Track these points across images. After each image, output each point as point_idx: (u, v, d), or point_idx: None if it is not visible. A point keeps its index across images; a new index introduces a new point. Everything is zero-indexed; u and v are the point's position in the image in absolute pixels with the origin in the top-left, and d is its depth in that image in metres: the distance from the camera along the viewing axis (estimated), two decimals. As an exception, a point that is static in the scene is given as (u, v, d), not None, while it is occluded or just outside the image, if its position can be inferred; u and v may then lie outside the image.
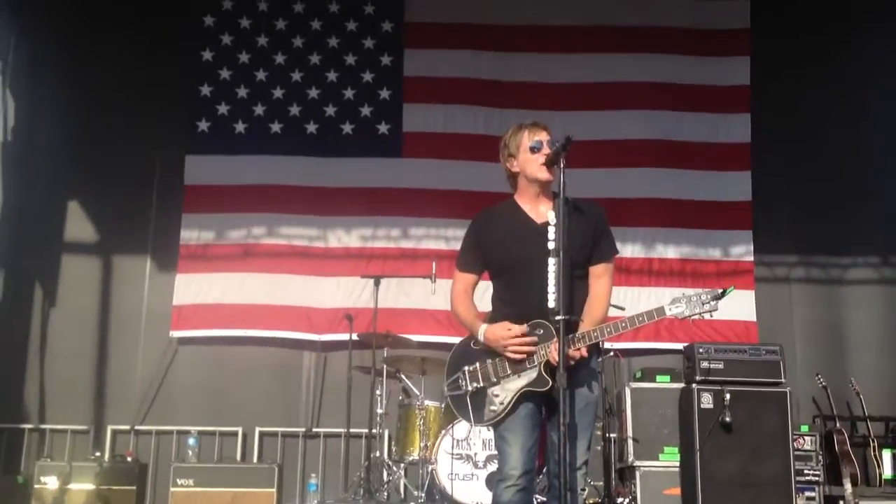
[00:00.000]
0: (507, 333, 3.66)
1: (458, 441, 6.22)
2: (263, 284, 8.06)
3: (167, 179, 8.25)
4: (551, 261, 3.64)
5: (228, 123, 8.43)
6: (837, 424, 7.73)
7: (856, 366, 8.18)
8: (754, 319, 8.12)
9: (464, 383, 3.73)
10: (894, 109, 8.59)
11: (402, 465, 6.66)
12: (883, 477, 7.69)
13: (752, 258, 8.33)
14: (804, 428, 7.36)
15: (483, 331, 3.73)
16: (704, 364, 6.05)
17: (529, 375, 3.66)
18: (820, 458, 7.32)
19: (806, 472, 7.13)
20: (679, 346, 6.94)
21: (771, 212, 8.38)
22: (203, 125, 8.42)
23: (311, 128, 8.46)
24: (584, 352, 3.60)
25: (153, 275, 8.16)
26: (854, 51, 8.64)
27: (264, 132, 8.42)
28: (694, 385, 5.98)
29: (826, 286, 8.53)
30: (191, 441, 7.08)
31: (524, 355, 3.64)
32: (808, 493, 7.14)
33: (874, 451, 7.75)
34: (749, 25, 8.58)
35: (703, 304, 3.58)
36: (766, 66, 8.55)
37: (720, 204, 8.39)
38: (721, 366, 6.07)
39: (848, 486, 7.27)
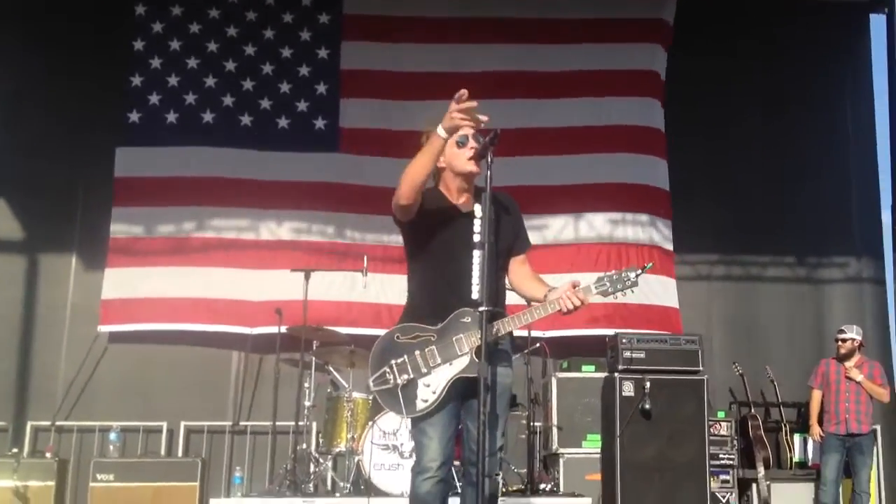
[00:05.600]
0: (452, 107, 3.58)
1: (384, 432, 6.27)
2: (194, 278, 7.97)
3: (96, 173, 8.09)
4: (476, 253, 3.70)
5: (160, 113, 8.28)
6: (752, 410, 8.01)
7: (770, 356, 8.47)
8: (677, 306, 8.32)
9: (392, 377, 3.70)
10: (818, 112, 8.87)
11: (329, 457, 6.68)
12: (794, 460, 8.02)
13: (671, 246, 8.50)
14: (720, 414, 7.62)
15: (440, 127, 3.62)
16: (627, 354, 6.23)
17: (462, 362, 3.68)
18: (735, 442, 7.57)
19: (721, 456, 7.38)
20: (603, 332, 7.08)
21: (689, 206, 8.56)
22: (134, 116, 8.26)
23: (246, 120, 8.37)
24: (584, 300, 3.63)
25: (79, 270, 8.03)
26: (769, 44, 8.90)
27: (196, 122, 8.28)
28: (616, 374, 6.14)
29: (742, 282, 8.79)
30: (112, 436, 6.97)
31: (471, 119, 3.57)
32: (722, 477, 7.39)
33: (786, 435, 8.07)
34: (671, 17, 8.73)
35: (624, 282, 3.67)
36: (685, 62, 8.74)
37: (640, 187, 8.49)
38: (643, 355, 6.25)
39: (761, 470, 7.55)
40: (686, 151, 8.60)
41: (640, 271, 3.68)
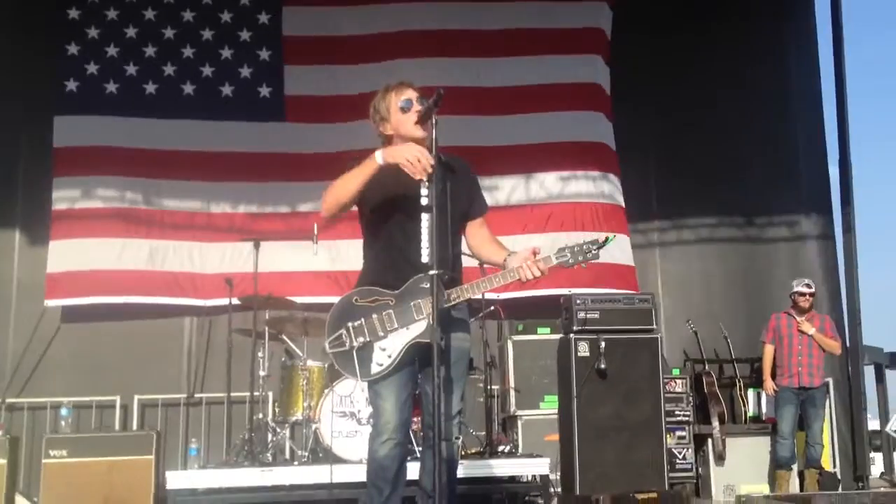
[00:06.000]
0: (413, 149, 3.54)
1: (341, 398, 6.24)
2: (141, 250, 7.84)
3: (35, 143, 7.90)
4: (425, 216, 3.66)
5: (98, 83, 8.10)
6: (706, 367, 8.12)
7: (723, 314, 8.57)
8: (632, 264, 8.36)
9: (348, 339, 3.69)
10: (748, 71, 8.85)
11: (286, 426, 6.63)
12: (748, 415, 8.15)
13: (622, 201, 8.49)
14: (675, 371, 7.71)
15: (379, 153, 3.59)
16: (581, 314, 6.25)
17: (419, 327, 3.66)
18: (690, 399, 7.68)
19: (677, 412, 7.48)
20: (558, 291, 7.08)
21: (636, 170, 8.59)
22: (71, 85, 8.07)
23: (189, 88, 8.21)
24: (543, 270, 3.61)
25: (23, 244, 7.89)
26: (713, 2, 8.88)
27: (138, 92, 8.13)
28: (571, 335, 6.16)
29: (692, 244, 8.87)
30: (63, 412, 6.86)
31: (417, 167, 3.51)
32: (678, 433, 7.50)
33: (740, 390, 8.20)
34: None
35: (586, 253, 3.66)
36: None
37: (588, 145, 8.48)
38: (597, 315, 6.28)
39: (716, 425, 7.67)
40: (631, 115, 8.60)
41: (601, 244, 3.68)
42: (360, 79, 8.02)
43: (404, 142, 3.79)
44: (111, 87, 8.12)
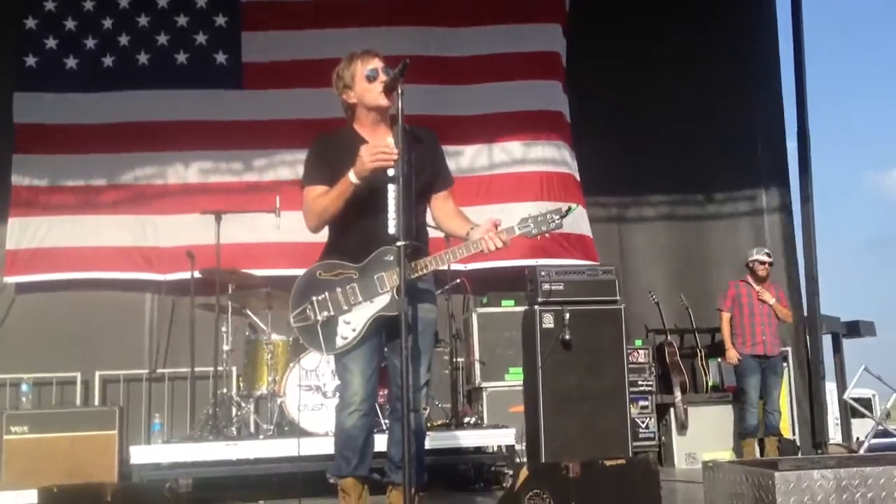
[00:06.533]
0: (371, 149, 3.54)
1: (306, 372, 6.22)
2: (102, 226, 7.76)
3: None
4: (391, 187, 3.64)
5: (58, 58, 7.95)
6: (668, 338, 8.21)
7: (686, 287, 8.67)
8: (590, 234, 8.41)
9: (312, 313, 3.68)
10: (706, 43, 8.88)
11: (250, 400, 6.61)
12: (709, 384, 8.27)
13: (577, 174, 8.51)
14: (638, 342, 7.80)
15: (351, 172, 3.58)
16: (546, 286, 6.27)
17: (382, 300, 3.66)
18: (652, 369, 7.78)
19: (640, 382, 7.58)
20: (521, 262, 7.11)
21: (595, 147, 8.57)
22: (31, 60, 7.93)
23: (143, 58, 8.06)
24: (506, 241, 3.60)
25: (-19, 221, 7.72)
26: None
27: (96, 66, 7.98)
28: (536, 307, 6.19)
29: (653, 221, 8.96)
30: (23, 388, 6.77)
31: (388, 158, 3.52)
32: (641, 403, 7.61)
33: (702, 360, 8.31)
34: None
35: (549, 223, 3.66)
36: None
37: (548, 114, 8.49)
38: (561, 287, 6.30)
39: (678, 394, 7.78)
40: (592, 91, 8.60)
41: (563, 214, 3.68)
42: (321, 44, 7.89)
43: (369, 111, 3.77)
44: (71, 63, 7.98)
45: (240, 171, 8.02)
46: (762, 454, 7.55)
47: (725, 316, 7.78)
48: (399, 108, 3.51)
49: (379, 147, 3.54)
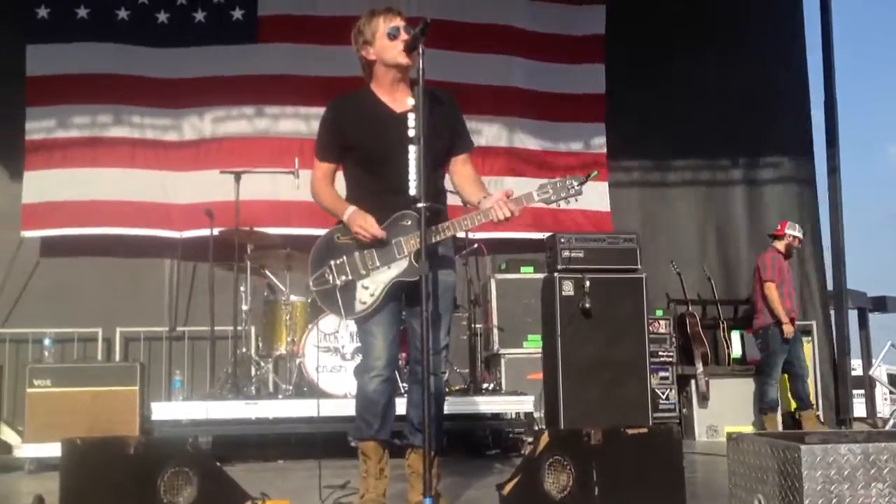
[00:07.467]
0: (363, 223, 3.60)
1: (325, 334, 6.22)
2: (118, 181, 7.71)
3: (6, 73, 7.68)
4: (412, 148, 3.60)
5: (69, 8, 7.86)
6: (690, 308, 8.14)
7: (707, 256, 8.61)
8: (608, 210, 8.37)
9: (331, 277, 3.66)
10: (733, 14, 8.76)
11: (269, 360, 6.63)
12: (732, 356, 8.21)
13: (605, 151, 8.49)
14: (659, 312, 7.73)
15: (349, 212, 3.64)
16: (566, 253, 6.18)
17: (400, 265, 3.64)
18: (673, 340, 7.72)
19: (660, 353, 7.53)
20: (540, 235, 7.06)
21: (622, 112, 8.51)
22: (42, 11, 7.84)
23: (163, 17, 8.00)
24: (519, 209, 3.58)
25: (1, 175, 7.72)
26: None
27: (110, 18, 7.89)
28: (556, 274, 6.12)
29: (675, 187, 8.87)
30: (46, 342, 6.81)
31: (367, 239, 3.61)
32: (661, 374, 7.56)
33: (724, 332, 8.23)
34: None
35: (568, 190, 3.61)
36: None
37: (575, 96, 8.46)
38: (581, 254, 6.20)
39: (699, 366, 7.72)
40: (618, 57, 8.52)
41: (584, 179, 3.63)
42: (337, 1, 7.83)
43: (388, 69, 3.72)
44: (82, 13, 7.88)
45: (260, 127, 7.96)
46: (799, 429, 7.49)
47: (773, 287, 7.57)
48: (420, 68, 3.45)
49: (369, 229, 3.60)
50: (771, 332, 7.55)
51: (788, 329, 7.50)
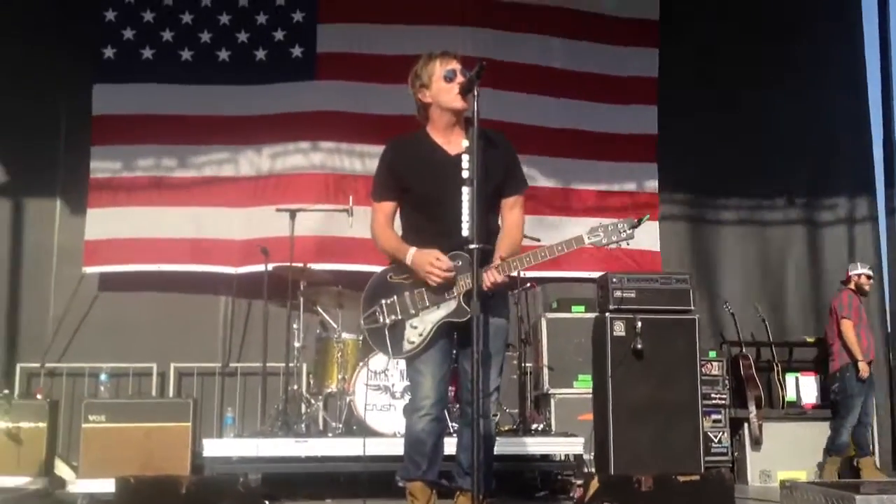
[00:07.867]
0: (434, 261, 3.62)
1: (375, 373, 6.24)
2: (176, 218, 7.87)
3: (74, 112, 7.94)
4: (465, 190, 3.63)
5: (135, 49, 8.09)
6: (743, 350, 8.01)
7: (761, 296, 8.48)
8: (657, 249, 8.33)
9: (381, 316, 3.70)
10: (791, 51, 8.72)
11: (320, 397, 6.66)
12: (786, 399, 8.03)
13: (656, 190, 8.47)
14: (712, 354, 7.62)
15: (412, 254, 3.68)
16: (617, 293, 6.15)
17: (449, 306, 3.66)
18: (726, 382, 7.59)
19: (713, 395, 7.40)
20: (591, 274, 7.04)
21: (677, 149, 8.48)
22: (109, 52, 8.08)
23: (224, 55, 8.19)
24: (504, 278, 3.61)
25: (64, 211, 7.94)
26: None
27: (174, 59, 8.12)
28: (607, 314, 6.09)
29: (731, 225, 8.77)
30: (102, 377, 6.94)
31: (439, 282, 3.62)
32: (714, 416, 7.43)
33: (778, 374, 8.07)
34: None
35: (620, 233, 3.63)
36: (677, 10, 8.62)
37: (628, 137, 8.47)
38: (633, 294, 6.17)
39: (753, 409, 7.57)
40: (674, 91, 8.50)
41: (636, 223, 3.63)
42: (395, 40, 7.94)
43: (443, 112, 3.77)
44: (147, 53, 8.10)
45: (315, 163, 8.05)
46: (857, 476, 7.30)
47: (851, 325, 7.41)
48: (475, 111, 3.50)
49: (439, 271, 3.61)
50: (848, 375, 7.37)
51: (864, 367, 7.32)
